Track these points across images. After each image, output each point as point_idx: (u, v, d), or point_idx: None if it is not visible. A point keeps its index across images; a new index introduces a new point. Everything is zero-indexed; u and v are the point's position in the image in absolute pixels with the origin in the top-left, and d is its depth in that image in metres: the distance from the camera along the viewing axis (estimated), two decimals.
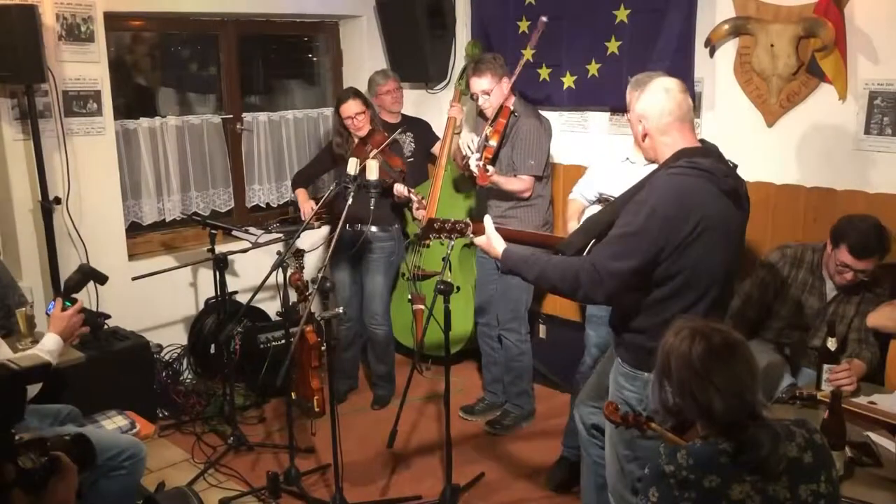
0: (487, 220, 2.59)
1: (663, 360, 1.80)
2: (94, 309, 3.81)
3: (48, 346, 2.57)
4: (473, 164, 3.61)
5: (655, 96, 2.31)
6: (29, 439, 1.66)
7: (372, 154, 3.86)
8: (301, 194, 4.30)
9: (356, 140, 4.09)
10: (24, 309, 3.20)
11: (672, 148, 2.30)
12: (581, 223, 2.82)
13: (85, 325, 2.75)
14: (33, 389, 2.42)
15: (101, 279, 3.19)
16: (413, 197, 3.99)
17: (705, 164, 2.24)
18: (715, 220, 2.22)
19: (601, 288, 2.23)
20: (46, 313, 2.70)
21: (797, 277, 3.14)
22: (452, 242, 3.14)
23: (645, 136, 2.34)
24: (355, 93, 4.06)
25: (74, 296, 2.79)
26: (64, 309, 2.66)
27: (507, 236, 2.58)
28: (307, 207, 4.21)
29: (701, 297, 2.27)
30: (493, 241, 2.54)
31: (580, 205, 3.59)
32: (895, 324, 2.97)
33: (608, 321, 2.55)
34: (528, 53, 4.19)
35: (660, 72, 3.36)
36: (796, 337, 3.20)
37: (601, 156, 3.84)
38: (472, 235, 2.60)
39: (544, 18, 3.80)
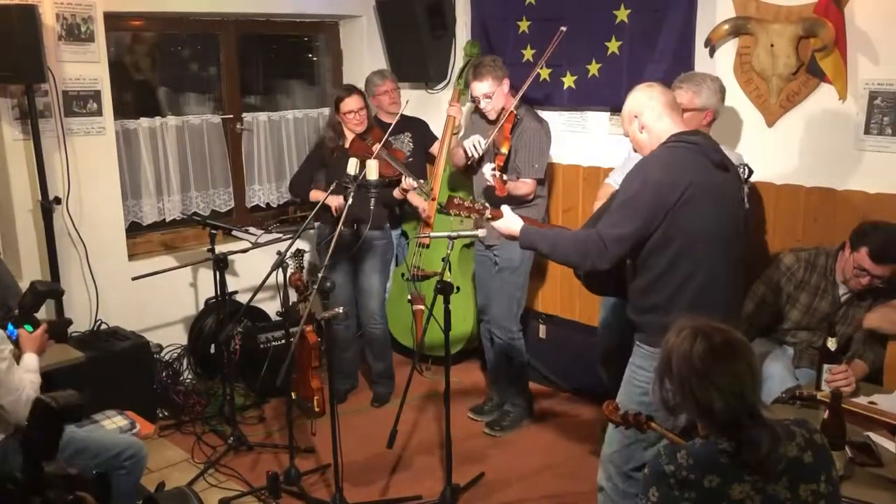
0: (505, 207, 2.73)
1: (665, 359, 1.81)
2: (90, 315, 3.80)
3: (32, 366, 2.62)
4: (489, 175, 3.61)
5: (639, 93, 2.54)
6: (56, 474, 1.66)
7: (375, 147, 3.85)
8: (318, 194, 4.11)
9: (349, 137, 4.09)
10: None
11: (667, 133, 2.47)
12: (595, 211, 2.96)
13: (51, 339, 2.78)
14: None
15: (57, 294, 3.12)
16: (422, 188, 4.01)
17: (694, 138, 2.46)
18: (705, 187, 2.39)
19: (606, 255, 2.42)
20: (10, 337, 2.61)
21: (810, 281, 3.15)
22: (452, 243, 3.15)
23: (642, 128, 2.51)
24: (357, 89, 4.13)
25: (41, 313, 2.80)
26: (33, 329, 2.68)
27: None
28: (337, 202, 3.88)
29: (699, 263, 2.41)
30: (510, 220, 2.67)
31: (610, 188, 3.72)
32: (890, 325, 2.96)
33: (626, 313, 2.62)
34: (528, 53, 4.19)
35: (705, 73, 3.38)
36: (803, 337, 3.20)
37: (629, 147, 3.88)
38: (489, 216, 2.73)
39: (564, 28, 3.80)
